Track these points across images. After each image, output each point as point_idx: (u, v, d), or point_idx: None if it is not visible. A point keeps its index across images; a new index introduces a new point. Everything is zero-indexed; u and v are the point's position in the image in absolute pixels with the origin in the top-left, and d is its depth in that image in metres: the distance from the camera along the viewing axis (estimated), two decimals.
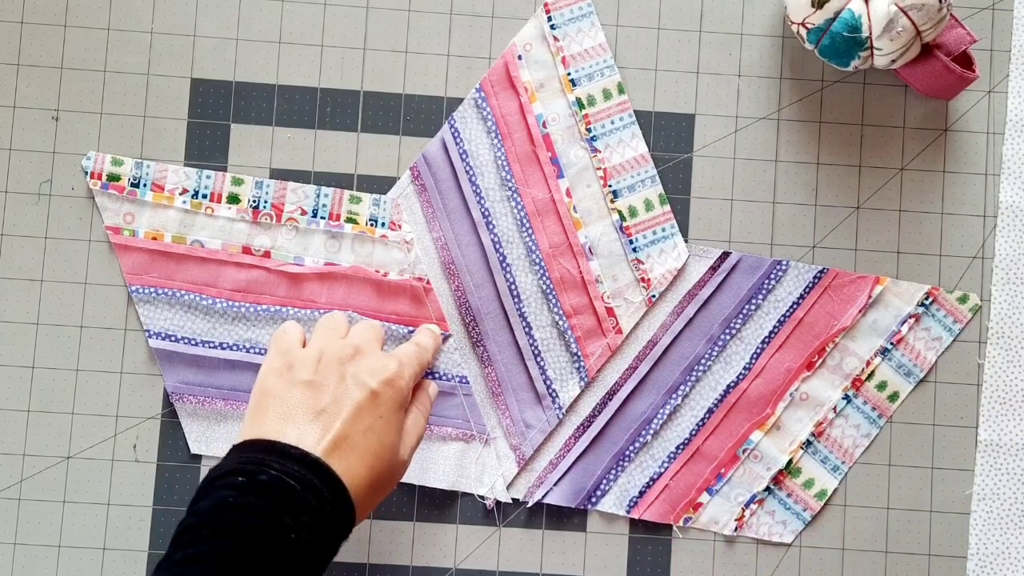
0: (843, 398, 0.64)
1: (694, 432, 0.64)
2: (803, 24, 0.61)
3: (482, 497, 0.63)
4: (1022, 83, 0.65)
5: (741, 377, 0.64)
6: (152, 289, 0.63)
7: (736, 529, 0.63)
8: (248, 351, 0.63)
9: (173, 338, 0.63)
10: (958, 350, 0.65)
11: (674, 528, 0.63)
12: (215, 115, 0.64)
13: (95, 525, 0.63)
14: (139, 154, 0.64)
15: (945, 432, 0.64)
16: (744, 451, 0.63)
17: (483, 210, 0.64)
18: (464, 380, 0.63)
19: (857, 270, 0.65)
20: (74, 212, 0.64)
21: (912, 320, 0.64)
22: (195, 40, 0.65)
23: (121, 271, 0.63)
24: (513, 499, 0.63)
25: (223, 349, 0.63)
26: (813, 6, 0.59)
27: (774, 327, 0.64)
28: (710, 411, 0.64)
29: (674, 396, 0.64)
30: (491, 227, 0.64)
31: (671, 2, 0.66)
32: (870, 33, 0.59)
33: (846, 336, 0.64)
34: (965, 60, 0.62)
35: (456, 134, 0.64)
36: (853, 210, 0.65)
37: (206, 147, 0.64)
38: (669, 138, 0.65)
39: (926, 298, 0.64)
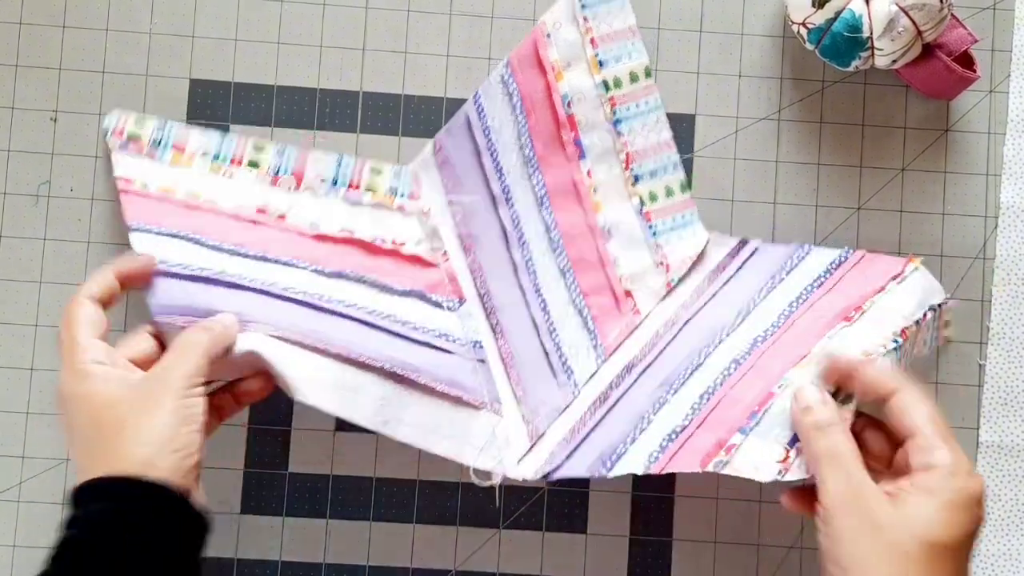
0: (893, 343, 0.54)
1: (720, 382, 0.56)
2: (804, 24, 0.60)
3: (486, 475, 0.58)
4: (1023, 83, 0.65)
5: (770, 333, 0.58)
6: (154, 229, 0.58)
7: (781, 473, 0.50)
8: (249, 288, 0.57)
9: (166, 265, 0.56)
10: (959, 351, 0.64)
11: (674, 529, 0.63)
12: (214, 116, 0.64)
13: None
14: None
15: None
16: (780, 387, 0.53)
17: (503, 187, 0.63)
18: (478, 345, 0.62)
19: None
20: (73, 214, 0.64)
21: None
22: (194, 41, 0.65)
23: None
24: (524, 479, 0.58)
25: (219, 284, 0.57)
26: (814, 6, 0.59)
27: (803, 291, 0.59)
28: (737, 362, 0.57)
29: (698, 356, 0.58)
30: (510, 203, 0.63)
31: (671, 2, 0.66)
32: (871, 33, 0.59)
33: (884, 295, 0.57)
34: (966, 60, 0.62)
35: (480, 109, 0.63)
36: (854, 211, 0.65)
37: None
38: None
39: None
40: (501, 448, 0.59)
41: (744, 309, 0.60)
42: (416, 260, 0.62)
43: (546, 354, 0.62)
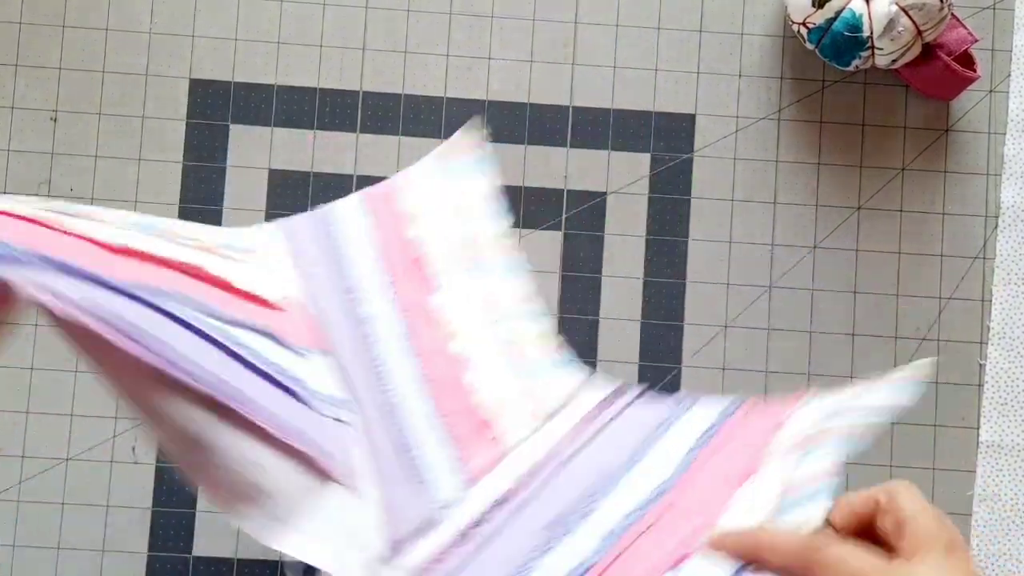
0: (825, 482, 0.40)
1: (625, 526, 0.45)
2: (804, 24, 0.60)
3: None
4: (1023, 83, 0.65)
5: (665, 489, 0.45)
6: None
7: None
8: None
9: None
10: (959, 351, 0.64)
11: None
12: (214, 116, 0.64)
13: (94, 527, 0.63)
14: (138, 156, 0.64)
15: (946, 433, 0.64)
16: (697, 551, 0.41)
17: (354, 281, 0.54)
18: (342, 403, 0.48)
19: (858, 272, 0.64)
20: None
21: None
22: (194, 40, 0.65)
23: None
24: None
25: None
26: (814, 6, 0.59)
27: (699, 438, 0.48)
28: (638, 512, 0.45)
29: (589, 500, 0.46)
30: (361, 300, 0.53)
31: (671, 2, 0.66)
32: (871, 33, 0.59)
33: (785, 429, 0.45)
34: (966, 60, 0.62)
35: (331, 221, 0.56)
36: (854, 210, 0.65)
37: (205, 148, 0.64)
38: (669, 138, 0.65)
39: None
40: (351, 539, 0.42)
41: (635, 456, 0.48)
42: (252, 298, 0.46)
43: (404, 463, 0.49)
